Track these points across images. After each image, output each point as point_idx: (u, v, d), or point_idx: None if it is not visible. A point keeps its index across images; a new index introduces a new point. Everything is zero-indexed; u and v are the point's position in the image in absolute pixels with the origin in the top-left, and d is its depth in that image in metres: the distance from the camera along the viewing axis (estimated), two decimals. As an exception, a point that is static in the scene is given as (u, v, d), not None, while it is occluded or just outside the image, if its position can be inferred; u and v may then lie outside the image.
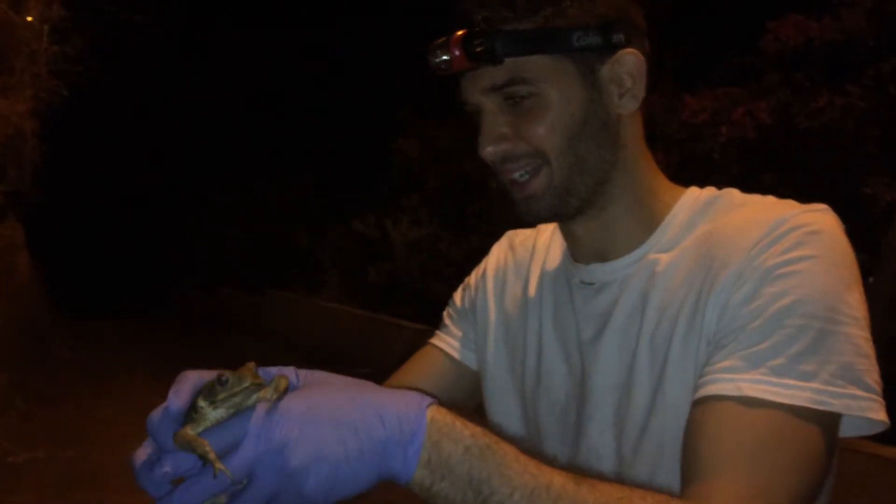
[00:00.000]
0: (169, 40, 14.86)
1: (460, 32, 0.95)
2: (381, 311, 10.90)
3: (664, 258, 0.99)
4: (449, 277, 9.52)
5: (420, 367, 1.23)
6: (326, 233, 14.19)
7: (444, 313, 1.28)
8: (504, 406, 1.14)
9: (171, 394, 0.72)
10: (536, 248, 1.18)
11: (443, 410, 0.74)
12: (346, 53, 20.03)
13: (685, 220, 1.01)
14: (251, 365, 0.73)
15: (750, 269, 0.88)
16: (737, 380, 0.83)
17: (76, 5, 8.18)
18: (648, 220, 1.02)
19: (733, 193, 1.02)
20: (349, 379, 0.75)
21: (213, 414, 0.71)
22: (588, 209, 1.01)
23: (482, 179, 10.95)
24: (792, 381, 0.81)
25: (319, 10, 20.13)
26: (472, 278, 1.26)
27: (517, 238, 1.24)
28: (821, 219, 0.90)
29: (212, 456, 0.69)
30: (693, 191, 1.05)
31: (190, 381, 0.73)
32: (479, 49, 0.94)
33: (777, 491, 0.79)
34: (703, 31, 9.55)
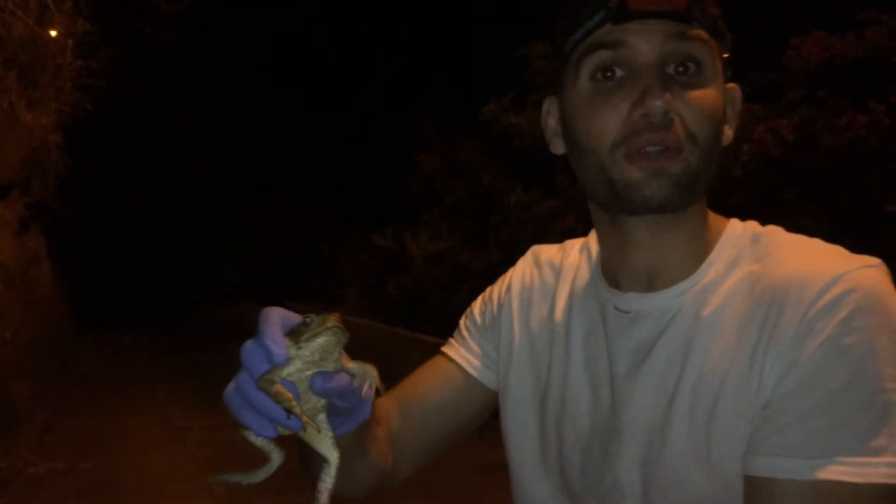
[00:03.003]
0: (192, 56, 15.01)
1: None
2: (400, 325, 10.89)
3: (711, 300, 0.93)
4: (469, 291, 9.51)
5: (431, 380, 1.18)
6: (347, 246, 14.24)
7: (462, 323, 1.22)
8: (522, 430, 1.10)
9: (264, 331, 0.75)
10: (564, 268, 1.12)
11: None
12: (368, 68, 20.14)
13: (729, 259, 0.96)
14: (336, 314, 0.77)
15: (811, 335, 0.84)
16: (808, 461, 0.80)
17: (101, 20, 8.27)
18: (698, 253, 0.97)
19: (779, 232, 0.97)
20: None
21: (296, 353, 0.75)
22: (684, 211, 0.95)
23: (502, 193, 10.96)
24: (865, 459, 0.79)
25: (343, 27, 20.28)
26: (495, 292, 1.20)
27: (543, 255, 1.18)
28: (875, 278, 0.86)
29: (297, 409, 0.73)
30: (736, 224, 1.00)
31: (277, 316, 0.77)
32: (700, 4, 0.90)
33: None
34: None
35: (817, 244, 0.93)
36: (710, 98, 0.90)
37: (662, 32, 0.89)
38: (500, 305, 1.17)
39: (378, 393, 0.84)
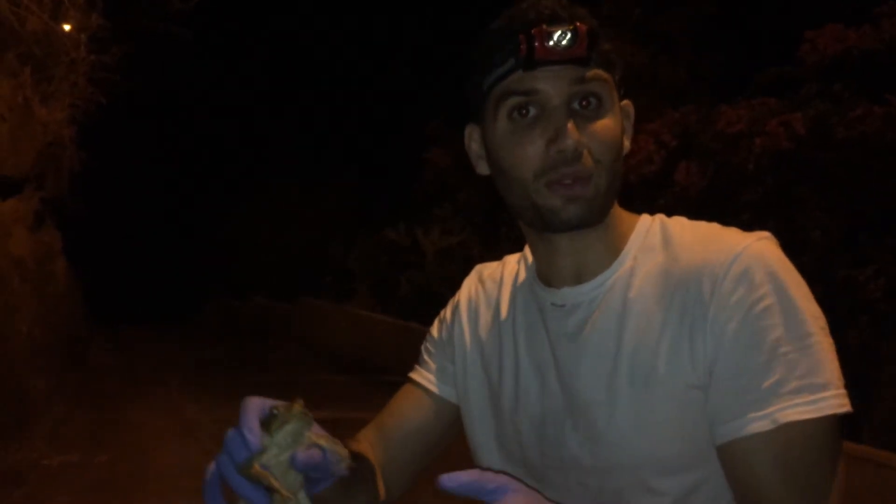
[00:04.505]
0: (206, 52, 15.04)
1: (585, 26, 1.01)
2: (412, 319, 10.91)
3: (633, 284, 1.07)
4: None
5: (403, 406, 1.30)
6: (358, 242, 14.26)
7: (422, 347, 1.35)
8: (482, 430, 1.21)
9: (242, 421, 0.85)
10: (504, 278, 1.26)
11: None
12: (379, 65, 20.15)
13: (643, 248, 1.10)
14: (300, 400, 0.85)
15: (731, 305, 0.97)
16: (769, 411, 0.92)
17: (114, 16, 8.30)
18: (615, 246, 1.11)
19: (682, 220, 1.12)
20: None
21: (270, 441, 0.84)
22: (598, 224, 1.09)
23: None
24: (815, 396, 0.91)
25: (353, 24, 20.28)
26: (448, 312, 1.33)
27: (485, 271, 1.32)
28: (770, 247, 1.00)
29: (275, 483, 0.82)
30: (645, 218, 1.15)
31: (254, 406, 0.86)
32: (595, 48, 1.02)
33: (834, 491, 0.92)
34: (740, 41, 9.47)
35: (714, 226, 1.08)
36: (610, 127, 1.05)
37: (566, 78, 1.03)
38: (452, 322, 1.30)
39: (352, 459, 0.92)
